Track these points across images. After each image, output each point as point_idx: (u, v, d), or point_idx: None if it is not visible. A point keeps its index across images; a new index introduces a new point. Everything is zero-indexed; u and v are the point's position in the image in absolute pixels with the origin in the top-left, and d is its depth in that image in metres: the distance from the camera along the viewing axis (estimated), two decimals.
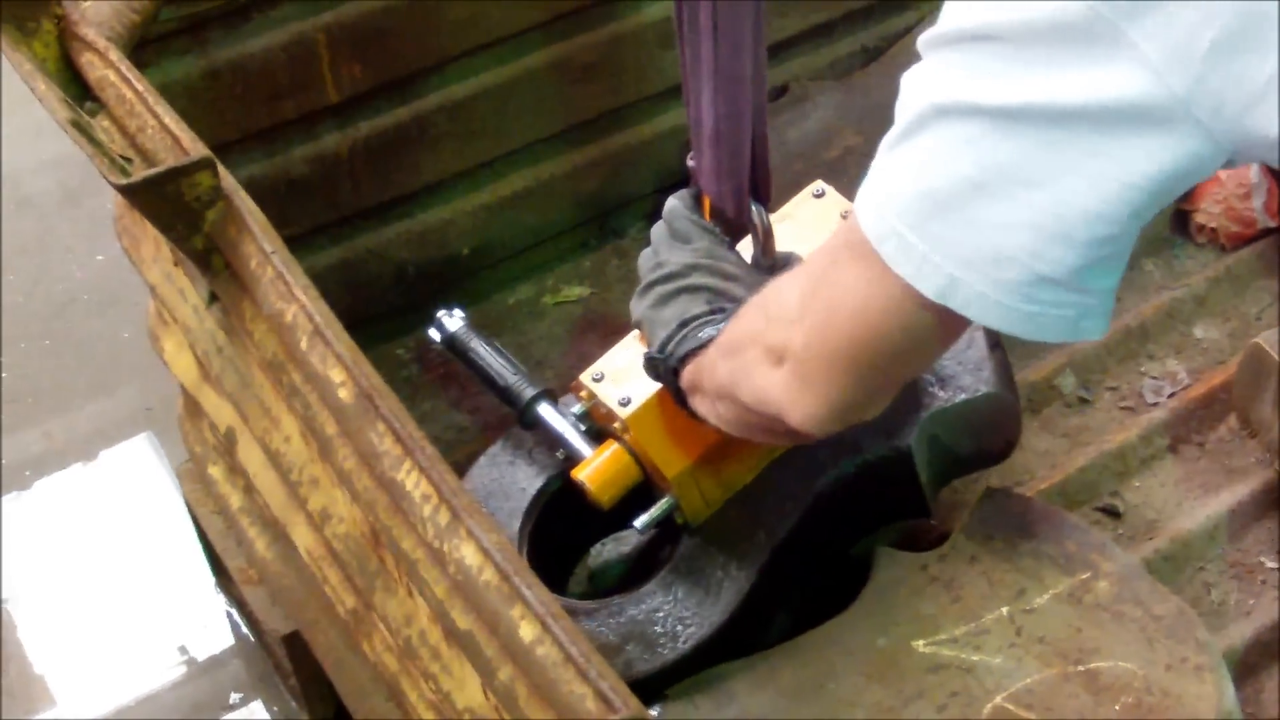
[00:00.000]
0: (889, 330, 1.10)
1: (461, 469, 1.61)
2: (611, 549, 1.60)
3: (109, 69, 1.47)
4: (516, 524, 1.65)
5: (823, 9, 2.34)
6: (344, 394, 1.28)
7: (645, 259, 1.52)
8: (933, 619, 1.54)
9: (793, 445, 1.56)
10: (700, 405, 1.41)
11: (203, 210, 1.38)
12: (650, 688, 1.51)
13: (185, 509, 2.03)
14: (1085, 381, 2.00)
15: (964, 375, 1.64)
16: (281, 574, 1.72)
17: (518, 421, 1.68)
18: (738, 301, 1.41)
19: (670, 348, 1.43)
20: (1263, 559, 1.81)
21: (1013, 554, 1.57)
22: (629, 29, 2.13)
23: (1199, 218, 2.12)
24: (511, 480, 1.68)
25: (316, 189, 2.01)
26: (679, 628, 1.54)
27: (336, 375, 1.29)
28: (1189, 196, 2.10)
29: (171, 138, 1.39)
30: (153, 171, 1.34)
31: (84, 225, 2.75)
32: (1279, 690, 1.72)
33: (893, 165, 1.03)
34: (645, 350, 1.48)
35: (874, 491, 1.62)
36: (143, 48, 1.64)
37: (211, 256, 1.43)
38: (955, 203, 0.98)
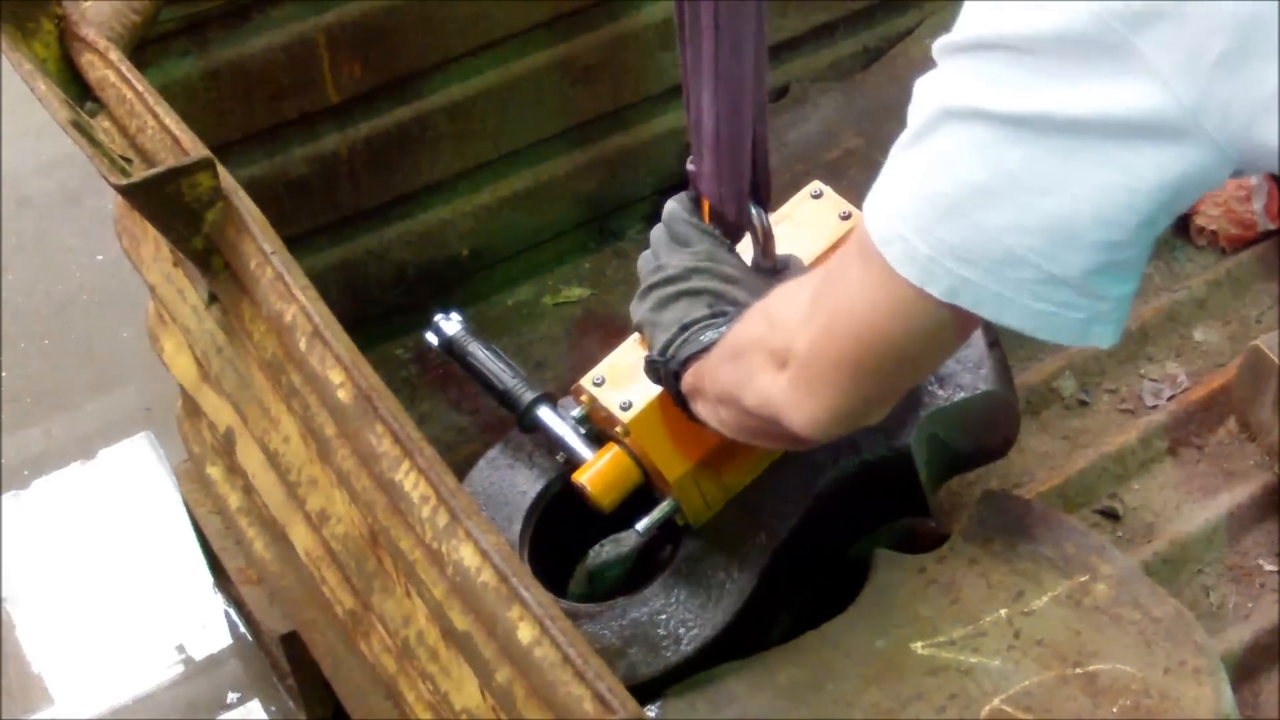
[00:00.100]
0: (894, 334, 1.10)
1: (461, 470, 1.61)
2: (610, 549, 1.60)
3: (109, 69, 1.47)
4: (517, 527, 1.65)
5: (824, 10, 2.34)
6: (343, 395, 1.28)
7: (645, 262, 1.52)
8: (931, 621, 1.54)
9: (793, 450, 1.56)
10: (701, 409, 1.41)
11: (202, 211, 1.38)
12: (654, 690, 1.52)
13: (184, 509, 2.03)
14: (1085, 384, 2.00)
15: (962, 373, 1.64)
16: (280, 574, 1.72)
17: (517, 425, 1.68)
18: (738, 304, 1.41)
19: (671, 351, 1.43)
20: (1261, 562, 1.81)
21: (1011, 556, 1.57)
22: (630, 30, 2.13)
23: (1199, 220, 2.12)
24: (511, 484, 1.68)
25: (316, 189, 2.01)
26: (681, 630, 1.54)
27: (335, 376, 1.29)
28: None
29: (171, 138, 1.39)
30: (152, 172, 1.34)
31: (84, 225, 2.75)
32: (1278, 693, 1.72)
33: (902, 169, 1.03)
34: (646, 354, 1.48)
35: (874, 491, 1.62)
36: (143, 48, 1.64)
37: (211, 257, 1.43)
38: (963, 207, 0.99)
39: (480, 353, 1.71)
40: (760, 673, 1.52)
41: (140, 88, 1.44)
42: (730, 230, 1.51)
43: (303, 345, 1.32)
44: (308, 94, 1.94)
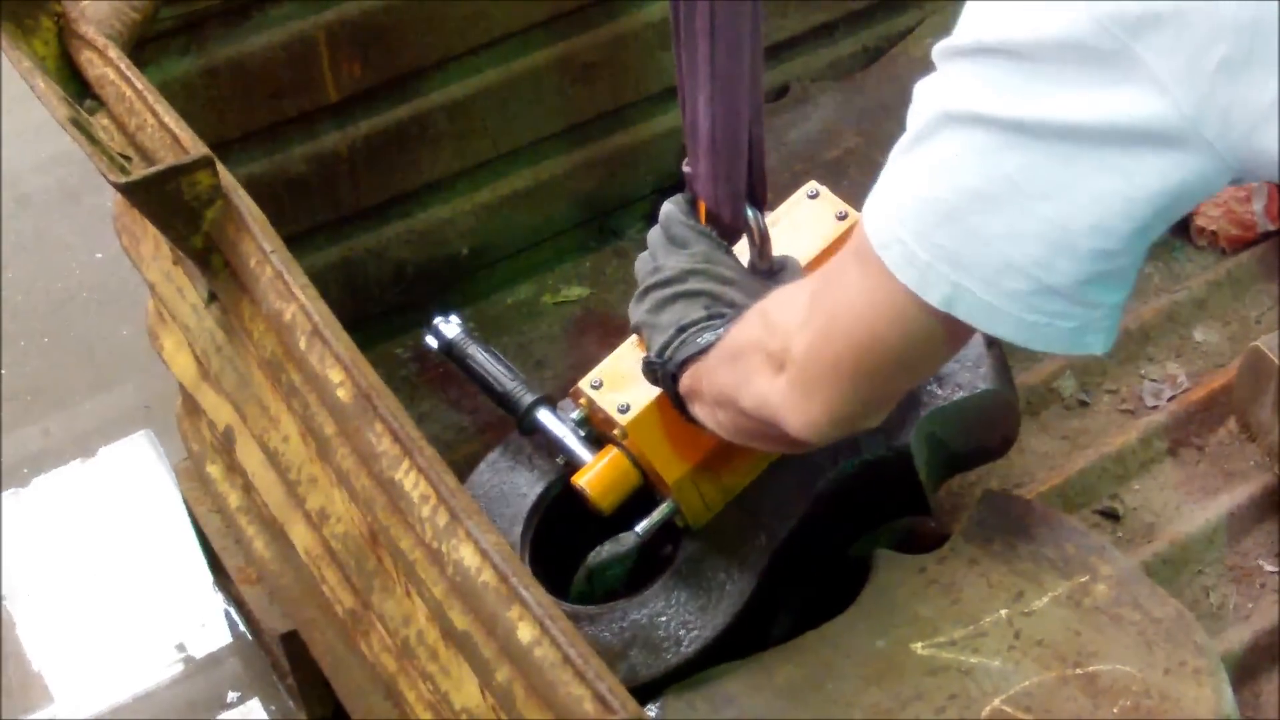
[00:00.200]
0: (891, 338, 1.10)
1: (460, 469, 1.61)
2: (610, 549, 1.60)
3: (108, 67, 1.47)
4: (517, 530, 1.65)
5: (824, 9, 2.33)
6: (342, 394, 1.28)
7: (642, 264, 1.52)
8: (931, 621, 1.53)
9: (791, 453, 1.56)
10: (699, 411, 1.41)
11: (202, 209, 1.38)
12: (654, 692, 1.52)
13: (183, 507, 2.03)
14: (1085, 384, 2.00)
15: (961, 372, 1.64)
16: (279, 573, 1.72)
17: (517, 428, 1.68)
18: (735, 306, 1.41)
19: (669, 353, 1.43)
20: (1262, 562, 1.81)
21: (1011, 556, 1.57)
22: (630, 29, 2.13)
23: (1199, 221, 2.12)
24: (512, 486, 1.68)
25: (316, 188, 2.01)
26: (682, 631, 1.54)
27: (335, 375, 1.29)
28: None
29: (171, 136, 1.39)
30: (152, 170, 1.34)
31: (83, 223, 2.75)
32: (1278, 694, 1.72)
33: (902, 172, 1.03)
34: (643, 356, 1.48)
35: (873, 491, 1.62)
36: (142, 46, 1.64)
37: (210, 255, 1.43)
38: (961, 213, 0.99)
39: (479, 355, 1.71)
40: (760, 673, 1.52)
41: (139, 85, 1.44)
42: (727, 232, 1.51)
43: (302, 344, 1.32)
44: (307, 92, 1.94)
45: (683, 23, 1.40)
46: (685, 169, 1.50)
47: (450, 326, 1.73)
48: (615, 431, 1.55)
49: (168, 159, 1.37)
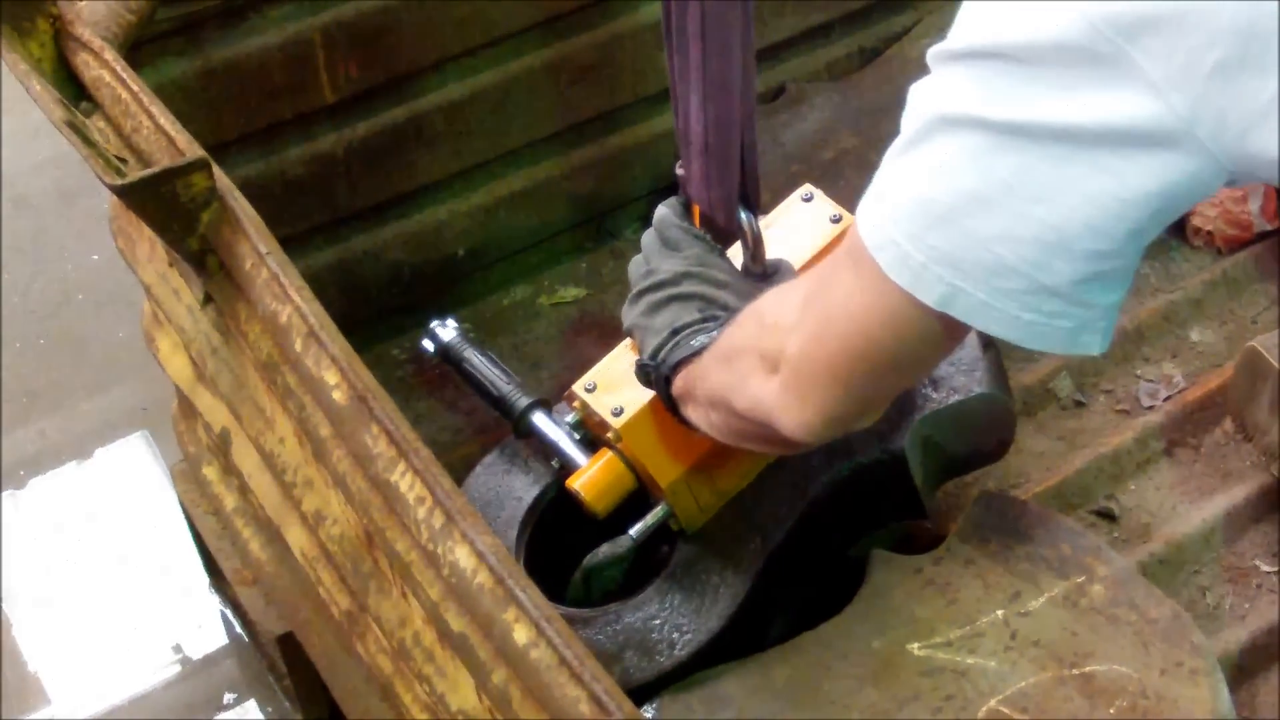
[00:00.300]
0: (885, 339, 1.10)
1: (456, 470, 1.61)
2: (607, 550, 1.60)
3: (104, 69, 1.47)
4: (513, 533, 1.65)
5: (820, 10, 2.33)
6: (338, 395, 1.28)
7: (636, 267, 1.52)
8: (928, 622, 1.53)
9: (784, 454, 1.56)
10: (692, 413, 1.41)
11: (198, 211, 1.38)
12: (648, 695, 1.52)
13: (180, 509, 2.03)
14: (1081, 385, 2.00)
15: (957, 376, 1.64)
16: (276, 575, 1.72)
17: (512, 431, 1.68)
18: (729, 309, 1.41)
19: (662, 355, 1.43)
20: (1258, 563, 1.81)
21: (1008, 557, 1.57)
22: (626, 30, 2.13)
23: (1195, 221, 2.12)
24: (507, 489, 1.68)
25: (312, 190, 2.01)
26: (676, 635, 1.54)
27: (331, 377, 1.29)
28: None
29: (166, 138, 1.39)
30: (148, 172, 1.34)
31: (79, 225, 2.75)
32: (1274, 694, 1.72)
33: (896, 175, 1.03)
34: (637, 358, 1.48)
35: (868, 494, 1.62)
36: (138, 48, 1.64)
37: (206, 257, 1.43)
38: (955, 214, 0.99)
39: (475, 358, 1.71)
40: (757, 673, 1.52)
41: (135, 88, 1.44)
42: (721, 235, 1.51)
43: (298, 346, 1.32)
44: (304, 94, 1.93)
45: (674, 26, 1.40)
46: (679, 172, 1.51)
47: (447, 330, 1.73)
48: (609, 434, 1.55)
49: (163, 161, 1.37)
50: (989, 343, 1.66)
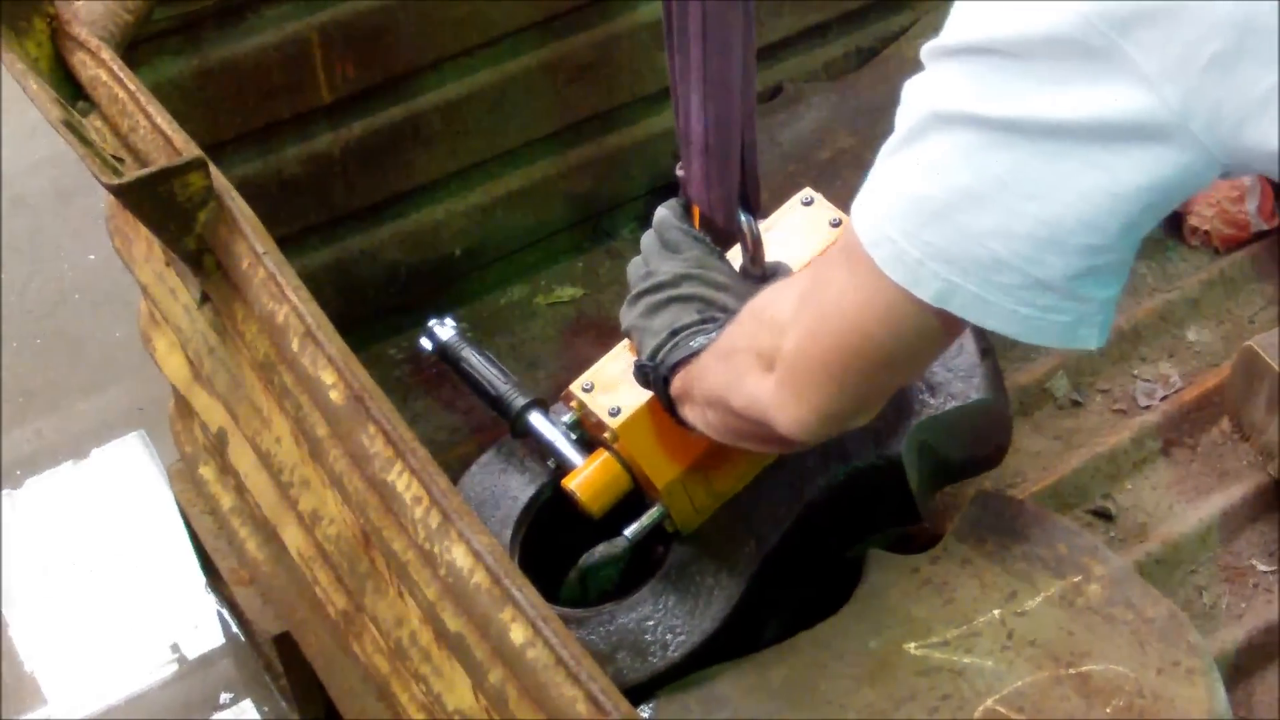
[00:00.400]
0: (881, 335, 1.10)
1: (453, 470, 1.61)
2: (603, 550, 1.60)
3: (101, 68, 1.47)
4: (508, 532, 1.65)
5: (817, 10, 2.33)
6: (335, 395, 1.28)
7: (635, 268, 1.53)
8: (924, 621, 1.54)
9: (781, 453, 1.56)
10: (690, 413, 1.41)
11: (194, 211, 1.38)
12: (642, 696, 1.51)
13: (176, 509, 2.03)
14: (1077, 384, 2.00)
15: (955, 382, 1.64)
16: (272, 574, 1.72)
17: (509, 431, 1.68)
18: (728, 311, 1.41)
19: (660, 356, 1.43)
20: (1255, 562, 1.81)
21: (1004, 556, 1.57)
22: (623, 29, 2.13)
23: (1192, 220, 2.12)
24: (503, 489, 1.68)
25: (309, 189, 2.01)
26: (669, 636, 1.54)
27: (328, 377, 1.29)
28: None
29: (163, 138, 1.39)
30: (144, 172, 1.34)
31: (76, 224, 2.75)
32: (1271, 693, 1.72)
33: (890, 172, 1.03)
34: (635, 359, 1.48)
35: (864, 499, 1.62)
36: (135, 47, 1.64)
37: (203, 257, 1.43)
38: (950, 211, 0.99)
39: (473, 358, 1.71)
40: (753, 673, 1.52)
41: (132, 87, 1.43)
42: (721, 237, 1.51)
43: (295, 346, 1.31)
44: (301, 93, 1.93)
45: (675, 26, 1.40)
46: (679, 172, 1.51)
47: (445, 329, 1.73)
48: (605, 435, 1.55)
49: (160, 160, 1.37)
50: (987, 349, 1.66)
